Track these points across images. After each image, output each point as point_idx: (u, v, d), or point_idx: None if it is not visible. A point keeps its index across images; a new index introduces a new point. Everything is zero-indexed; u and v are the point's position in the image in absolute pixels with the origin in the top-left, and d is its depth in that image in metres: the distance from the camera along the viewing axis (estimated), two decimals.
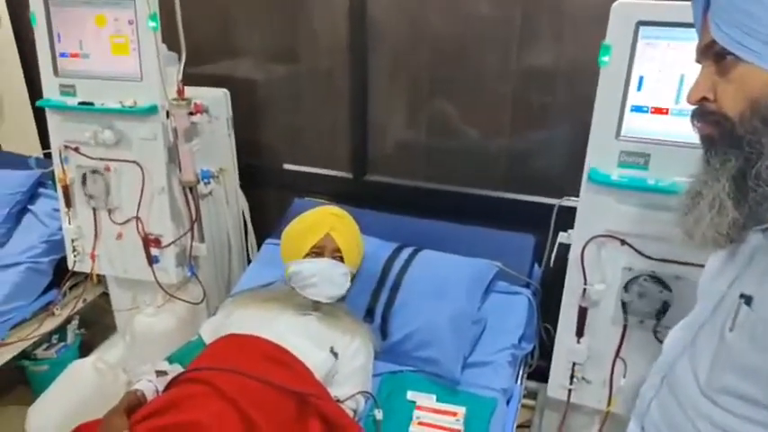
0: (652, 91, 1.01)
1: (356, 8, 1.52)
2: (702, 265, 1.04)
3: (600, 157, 1.06)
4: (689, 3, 0.62)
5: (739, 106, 0.54)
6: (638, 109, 1.03)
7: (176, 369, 1.07)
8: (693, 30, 1.02)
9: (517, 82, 1.48)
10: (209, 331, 1.24)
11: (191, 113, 1.39)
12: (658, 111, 1.02)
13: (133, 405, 0.99)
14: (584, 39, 1.31)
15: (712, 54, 0.56)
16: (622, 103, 1.02)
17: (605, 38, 1.00)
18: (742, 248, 0.59)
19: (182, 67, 1.36)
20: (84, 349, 1.78)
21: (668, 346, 0.71)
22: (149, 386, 1.04)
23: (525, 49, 1.44)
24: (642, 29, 0.98)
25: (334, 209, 1.33)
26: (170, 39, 1.36)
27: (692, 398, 0.62)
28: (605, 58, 1.01)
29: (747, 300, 0.56)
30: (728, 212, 0.56)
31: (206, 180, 1.51)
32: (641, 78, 1.01)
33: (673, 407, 0.65)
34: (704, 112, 0.58)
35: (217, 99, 1.57)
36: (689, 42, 0.96)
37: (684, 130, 1.01)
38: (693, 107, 0.59)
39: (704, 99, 0.58)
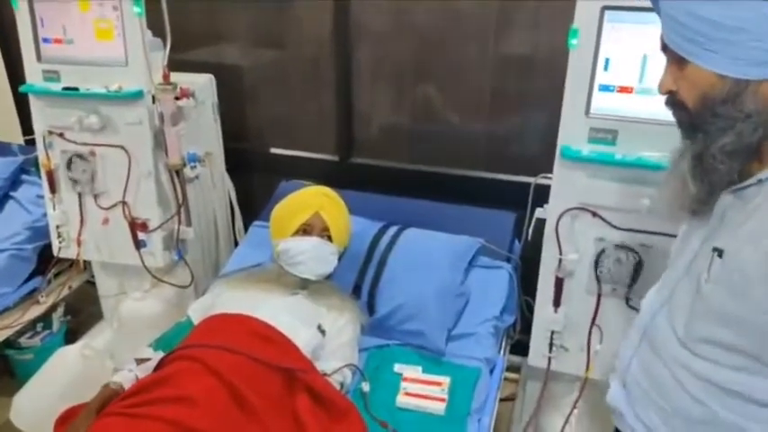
0: (618, 71, 1.08)
1: None
2: (666, 234, 1.12)
3: (571, 134, 1.12)
4: None
5: (693, 100, 0.61)
6: (605, 88, 1.09)
7: (159, 355, 1.07)
8: (653, 13, 1.10)
9: (495, 68, 1.54)
10: (199, 312, 1.25)
11: (177, 98, 1.40)
12: (624, 89, 1.09)
13: (109, 400, 0.98)
14: (558, 26, 1.38)
15: (670, 52, 0.63)
16: (591, 82, 1.08)
17: (573, 22, 1.06)
18: (713, 209, 0.65)
19: (167, 52, 1.38)
20: (70, 337, 1.76)
21: (645, 306, 0.76)
22: (129, 376, 1.04)
23: (503, 38, 1.51)
24: (607, 13, 1.04)
25: (323, 189, 1.36)
26: (155, 24, 1.38)
27: (670, 350, 0.67)
28: (574, 41, 1.07)
29: (719, 252, 0.61)
30: (690, 187, 0.62)
31: (192, 164, 1.52)
32: (607, 59, 1.07)
33: (653, 360, 0.70)
34: (671, 102, 0.65)
35: (202, 84, 1.59)
36: (651, 25, 1.04)
37: (648, 108, 1.08)
38: (665, 95, 0.67)
39: (670, 91, 0.65)
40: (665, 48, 0.64)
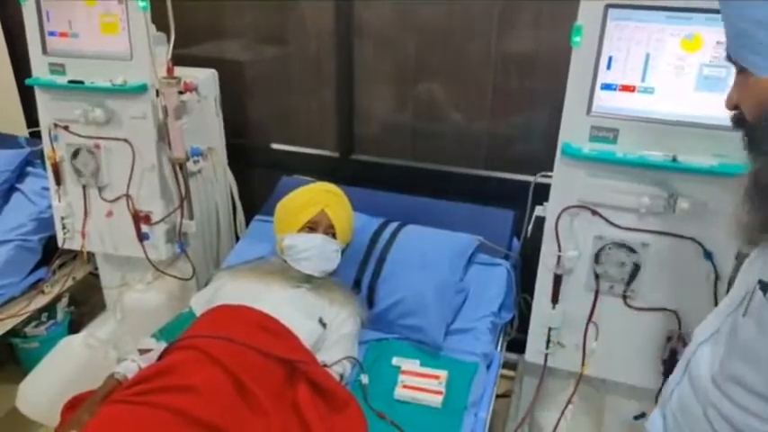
0: (620, 70, 1.08)
1: None
2: (665, 233, 1.12)
3: (572, 132, 1.12)
4: None
5: (751, 111, 0.57)
6: (607, 87, 1.09)
7: (161, 346, 1.08)
8: (657, 12, 1.09)
9: (497, 66, 1.54)
10: (201, 303, 1.26)
11: (180, 92, 1.41)
12: (626, 88, 1.09)
13: (113, 390, 0.99)
14: (561, 24, 1.38)
15: (735, 65, 0.59)
16: (593, 80, 1.08)
17: (577, 20, 1.06)
18: None
19: (171, 47, 1.38)
20: (74, 327, 1.79)
21: (697, 331, 0.70)
22: (132, 366, 1.05)
23: (505, 36, 1.51)
24: (611, 11, 1.04)
25: (329, 186, 1.37)
26: (159, 19, 1.38)
27: (703, 385, 0.63)
28: (577, 39, 1.07)
29: (764, 286, 0.55)
30: (745, 215, 0.56)
31: (195, 157, 1.53)
32: (610, 58, 1.07)
33: (689, 395, 0.65)
34: (736, 120, 0.62)
35: (205, 79, 1.59)
36: (654, 24, 1.04)
37: (650, 107, 1.09)
38: (732, 112, 0.62)
39: (736, 107, 0.61)
40: (729, 57, 0.60)
